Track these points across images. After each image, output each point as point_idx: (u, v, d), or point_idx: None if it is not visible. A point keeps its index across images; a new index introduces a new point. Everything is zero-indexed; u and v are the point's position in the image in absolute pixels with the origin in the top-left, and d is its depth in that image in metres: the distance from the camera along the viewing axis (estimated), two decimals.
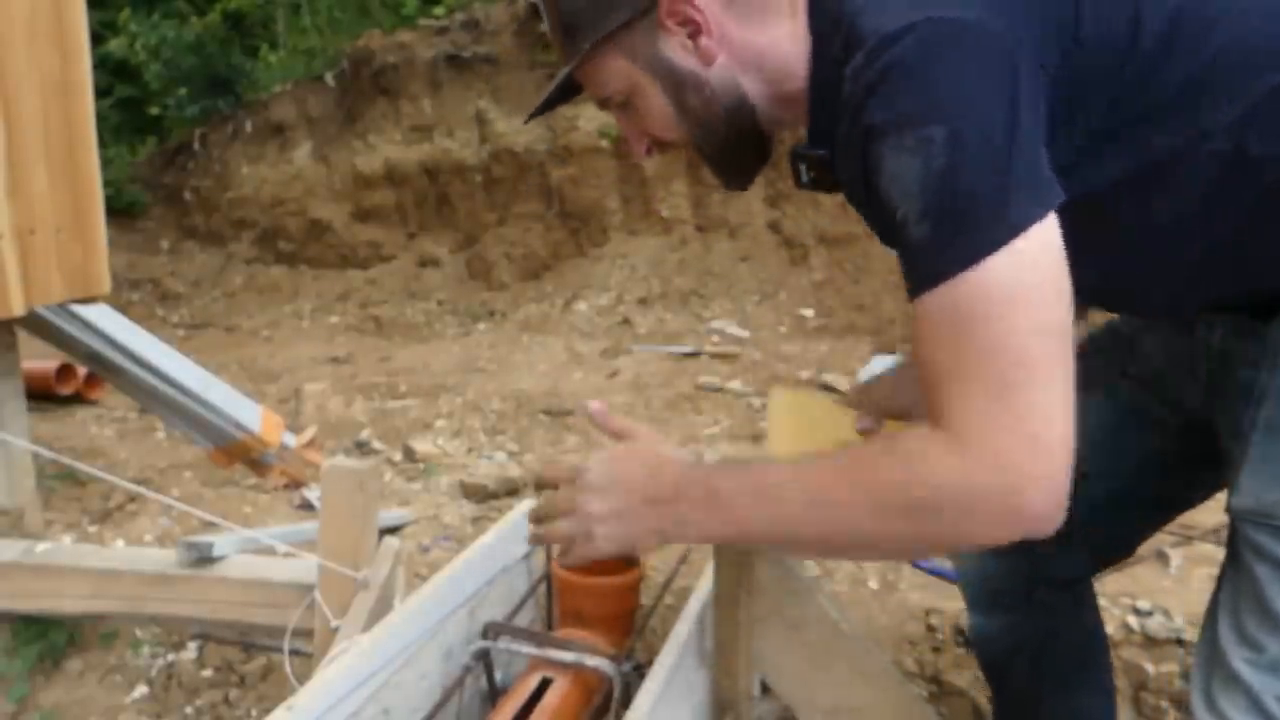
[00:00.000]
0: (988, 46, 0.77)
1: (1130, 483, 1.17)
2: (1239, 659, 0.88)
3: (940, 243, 0.75)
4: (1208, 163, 0.83)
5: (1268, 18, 0.83)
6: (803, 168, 0.97)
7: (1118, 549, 1.29)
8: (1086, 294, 0.83)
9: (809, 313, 5.10)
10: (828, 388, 3.79)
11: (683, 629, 1.31)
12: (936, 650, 1.86)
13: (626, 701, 1.22)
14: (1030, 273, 0.73)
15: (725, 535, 0.90)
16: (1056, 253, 0.75)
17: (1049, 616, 1.28)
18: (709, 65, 0.93)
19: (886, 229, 0.82)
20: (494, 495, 2.70)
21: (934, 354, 0.77)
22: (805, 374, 4.02)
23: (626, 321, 5.33)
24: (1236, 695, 0.88)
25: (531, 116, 1.10)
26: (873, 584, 2.06)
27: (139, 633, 2.13)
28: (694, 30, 0.92)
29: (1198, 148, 0.83)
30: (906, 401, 1.16)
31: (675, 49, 0.93)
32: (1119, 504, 1.18)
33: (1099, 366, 1.18)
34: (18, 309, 2.16)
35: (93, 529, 2.54)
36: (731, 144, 0.98)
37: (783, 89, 0.95)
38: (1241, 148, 0.82)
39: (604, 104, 1.01)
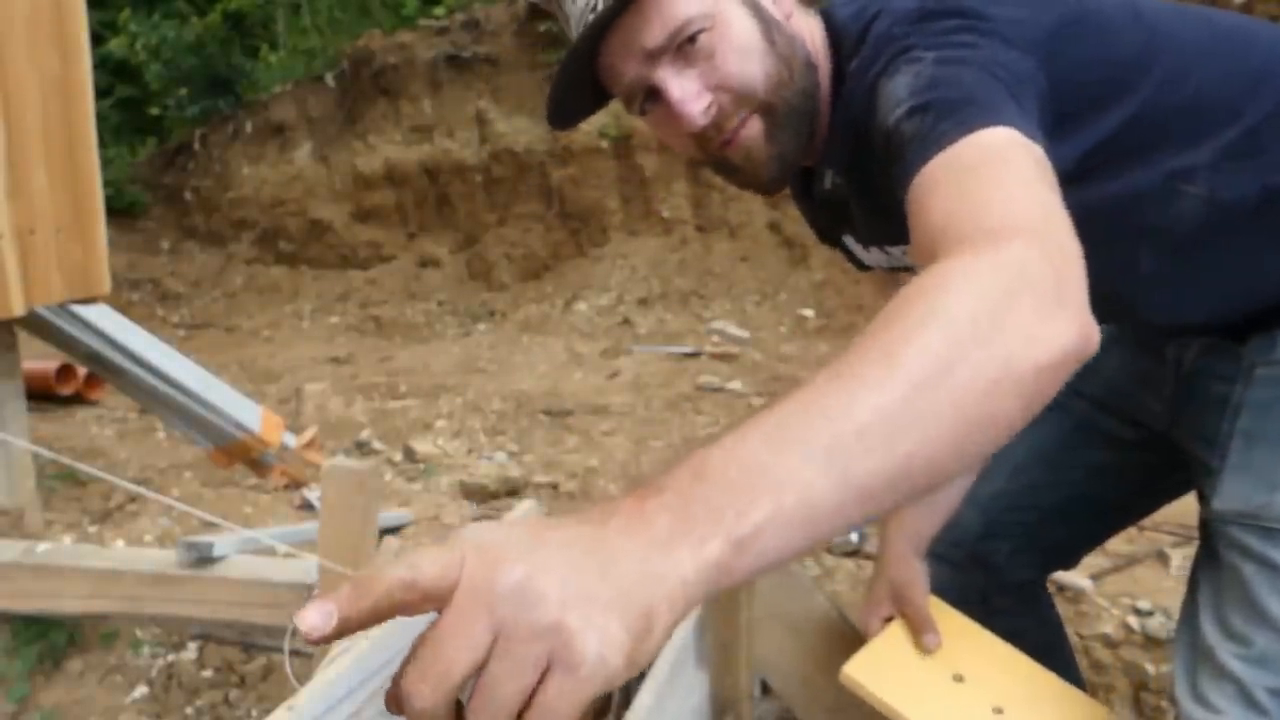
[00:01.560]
0: (988, 28, 0.78)
1: (1081, 492, 1.20)
2: (1227, 653, 0.91)
3: (933, 125, 0.71)
4: (1187, 200, 0.88)
5: (1227, 74, 0.88)
6: (829, 173, 0.97)
7: (1069, 554, 1.32)
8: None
9: (809, 313, 5.11)
10: None
11: (683, 629, 1.31)
12: None
13: (627, 702, 1.22)
14: (1019, 145, 0.68)
15: (792, 517, 0.47)
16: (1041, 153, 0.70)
17: (1009, 620, 1.30)
18: (787, 20, 0.88)
19: (882, 178, 0.77)
20: (494, 495, 2.70)
21: (936, 208, 0.67)
22: (805, 375, 4.02)
23: (626, 322, 5.33)
24: (1226, 686, 0.90)
25: (558, 120, 0.93)
26: None
27: (139, 633, 2.13)
28: None
29: (1176, 186, 0.88)
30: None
31: None
32: (1070, 512, 1.22)
33: None
34: (18, 309, 2.16)
35: (93, 529, 2.54)
36: (804, 100, 0.88)
37: (820, 76, 0.92)
38: (1214, 191, 0.88)
39: (659, 51, 0.82)
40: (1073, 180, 0.72)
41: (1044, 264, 0.58)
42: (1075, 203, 0.67)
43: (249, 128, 7.64)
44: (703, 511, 0.45)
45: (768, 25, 0.85)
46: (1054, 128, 0.76)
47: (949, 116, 0.70)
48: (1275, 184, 0.88)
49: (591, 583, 0.41)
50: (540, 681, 0.41)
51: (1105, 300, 0.71)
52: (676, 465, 0.48)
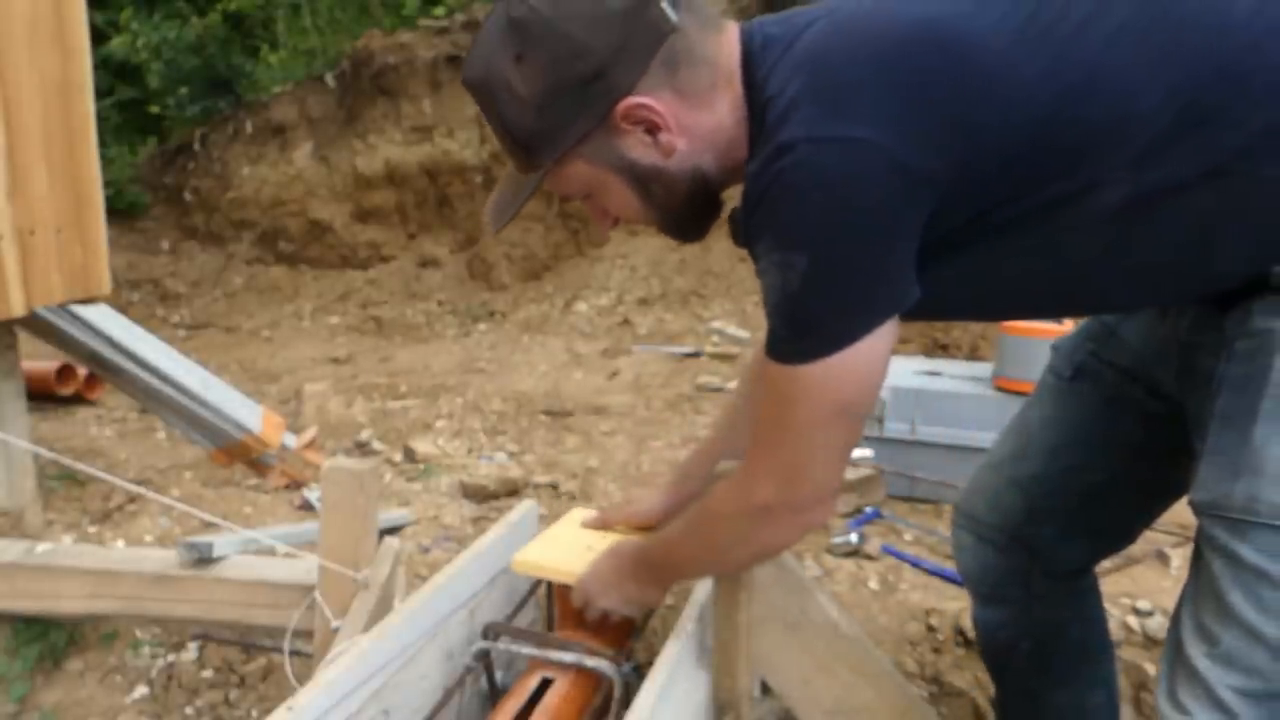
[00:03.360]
0: (866, 168, 0.84)
1: (1119, 470, 1.19)
2: (1197, 651, 0.90)
3: (781, 338, 0.93)
4: (1103, 202, 0.88)
5: (1137, 90, 0.85)
6: (740, 229, 1.01)
7: (1116, 537, 1.30)
8: (1029, 311, 1.07)
9: None
10: None
11: (683, 629, 1.31)
12: (936, 650, 1.86)
13: (627, 702, 1.22)
14: (835, 380, 0.91)
15: (668, 586, 1.32)
16: (869, 363, 0.91)
17: (1050, 609, 1.29)
18: (670, 156, 0.98)
19: None
20: (494, 495, 2.70)
21: (761, 406, 1.00)
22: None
23: (626, 322, 5.33)
24: (1195, 688, 0.89)
25: (500, 227, 1.12)
26: (873, 584, 2.06)
27: (139, 633, 2.13)
28: (651, 128, 0.95)
29: (1089, 193, 0.88)
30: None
31: (635, 147, 0.97)
32: (1110, 492, 1.20)
33: (1085, 357, 1.21)
34: (18, 309, 2.16)
35: (93, 529, 2.54)
36: (691, 216, 1.05)
37: (733, 158, 0.99)
38: (1135, 187, 0.86)
39: (567, 199, 1.08)
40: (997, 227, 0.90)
41: (784, 508, 1.02)
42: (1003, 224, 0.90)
43: (249, 128, 7.64)
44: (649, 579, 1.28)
45: (644, 184, 1.00)
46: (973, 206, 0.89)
47: (792, 337, 0.92)
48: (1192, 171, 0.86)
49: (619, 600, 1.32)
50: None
51: (1082, 295, 1.02)
52: (648, 554, 1.27)
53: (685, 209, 1.03)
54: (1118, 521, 1.26)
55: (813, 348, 0.90)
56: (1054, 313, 1.11)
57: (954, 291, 0.97)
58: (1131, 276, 0.95)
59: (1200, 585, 0.92)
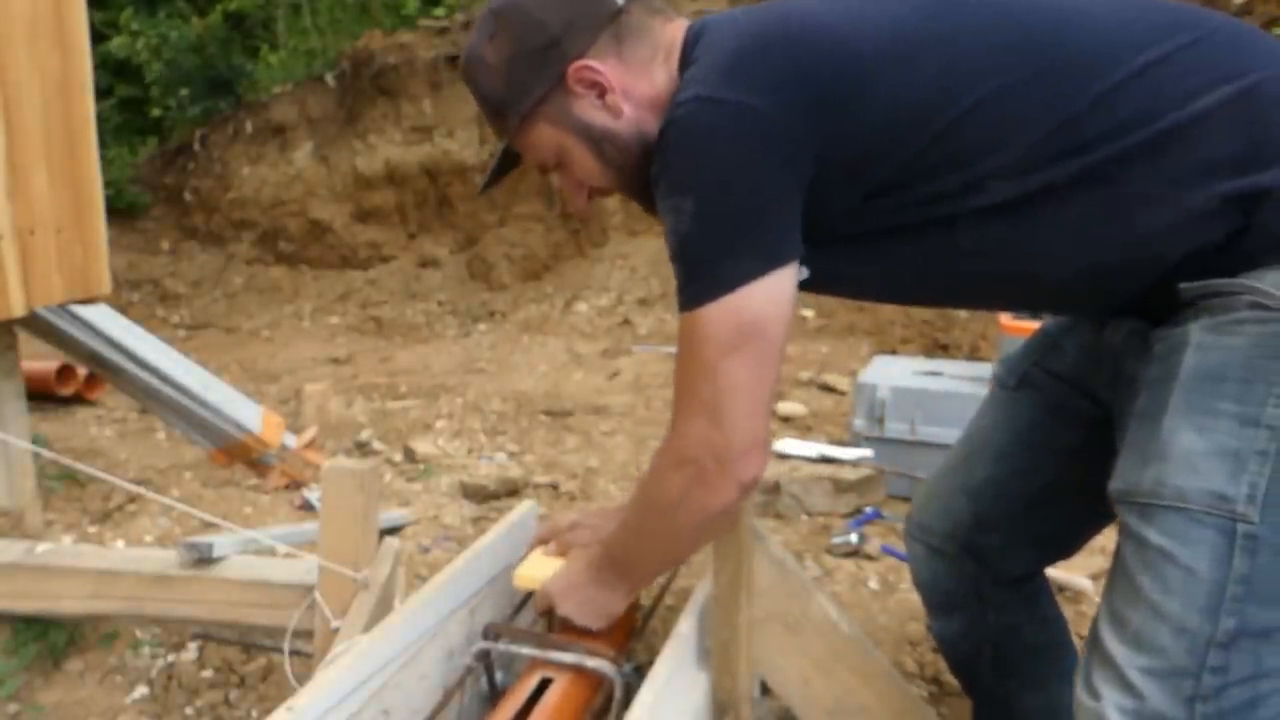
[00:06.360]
0: (749, 127, 0.94)
1: (1062, 476, 1.22)
2: (1110, 637, 0.92)
3: (682, 283, 1.02)
4: (988, 200, 0.96)
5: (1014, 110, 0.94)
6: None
7: (1062, 543, 1.32)
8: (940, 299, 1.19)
9: (809, 313, 5.11)
10: (827, 388, 3.79)
11: (683, 629, 1.31)
12: (936, 650, 1.86)
13: (627, 703, 1.22)
14: (730, 319, 0.98)
15: (636, 584, 1.29)
16: (762, 305, 0.98)
17: (1004, 614, 1.32)
18: (618, 118, 1.09)
19: None
20: (494, 496, 2.70)
21: (677, 359, 1.07)
22: (805, 375, 4.02)
23: (627, 322, 5.34)
24: (1107, 671, 0.91)
25: (485, 189, 1.29)
26: (873, 584, 2.06)
27: (139, 633, 2.13)
28: (600, 90, 1.08)
29: (974, 190, 0.96)
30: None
31: (588, 109, 1.09)
32: (1054, 498, 1.23)
33: (1029, 367, 1.26)
34: (18, 310, 2.15)
35: (93, 529, 2.54)
36: (646, 181, 1.09)
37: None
38: (1017, 187, 0.94)
39: (543, 168, 1.17)
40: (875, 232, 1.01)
41: (711, 457, 1.03)
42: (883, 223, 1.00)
43: (249, 128, 7.64)
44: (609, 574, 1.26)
45: (600, 146, 1.11)
46: (846, 179, 0.98)
47: (689, 280, 1.01)
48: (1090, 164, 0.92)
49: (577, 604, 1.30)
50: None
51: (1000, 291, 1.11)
52: (607, 543, 1.25)
53: (639, 172, 1.10)
54: (1063, 528, 1.28)
55: (705, 290, 0.99)
56: (961, 304, 1.19)
57: (859, 273, 1.08)
58: (1023, 276, 1.02)
59: (1115, 574, 0.95)
